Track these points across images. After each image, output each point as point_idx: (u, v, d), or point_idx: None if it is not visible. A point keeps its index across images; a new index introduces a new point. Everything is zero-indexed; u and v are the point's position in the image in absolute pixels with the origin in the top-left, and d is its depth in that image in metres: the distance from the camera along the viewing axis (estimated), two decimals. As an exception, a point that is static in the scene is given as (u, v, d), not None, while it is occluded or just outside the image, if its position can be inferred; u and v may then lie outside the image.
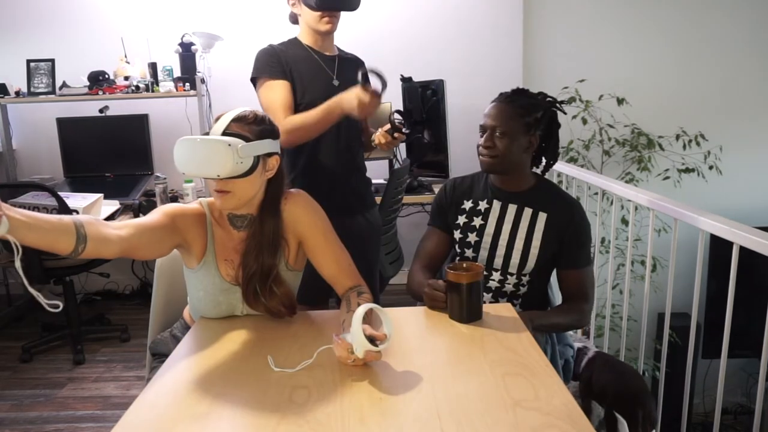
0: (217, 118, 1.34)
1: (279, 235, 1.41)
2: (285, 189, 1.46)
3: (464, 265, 1.45)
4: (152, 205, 3.05)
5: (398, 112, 1.90)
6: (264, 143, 1.33)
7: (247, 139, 1.30)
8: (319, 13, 1.87)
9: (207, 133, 1.33)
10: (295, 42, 1.97)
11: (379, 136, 1.86)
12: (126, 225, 1.24)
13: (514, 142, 1.60)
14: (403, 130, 1.81)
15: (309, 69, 1.93)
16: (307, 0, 1.87)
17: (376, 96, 1.70)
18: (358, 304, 1.23)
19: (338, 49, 2.05)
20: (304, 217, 1.45)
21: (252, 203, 1.39)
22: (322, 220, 1.47)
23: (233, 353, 1.26)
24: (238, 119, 1.32)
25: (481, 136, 1.64)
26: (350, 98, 1.72)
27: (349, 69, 1.98)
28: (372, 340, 1.15)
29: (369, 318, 1.26)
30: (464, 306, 1.40)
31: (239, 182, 1.32)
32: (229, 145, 1.26)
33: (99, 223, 1.16)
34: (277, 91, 1.88)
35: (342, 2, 1.88)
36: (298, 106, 1.91)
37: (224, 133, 1.30)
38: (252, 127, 1.33)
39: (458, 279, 1.39)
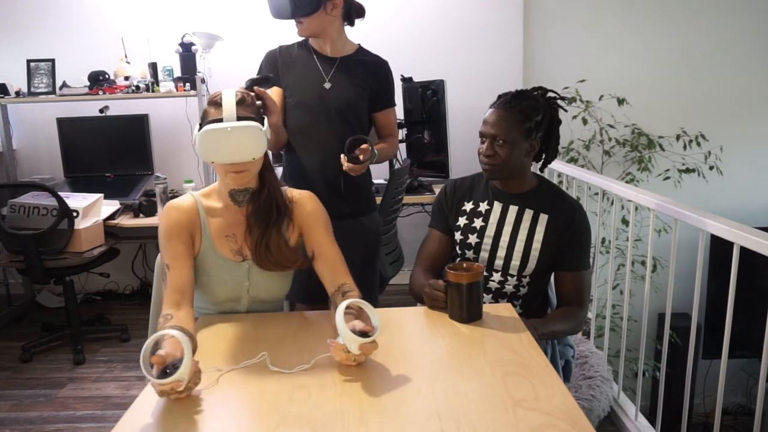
0: (216, 103, 1.36)
1: (282, 199, 1.49)
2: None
3: (464, 265, 1.45)
4: (152, 205, 3.05)
5: (354, 139, 1.79)
6: (264, 119, 1.42)
7: (254, 120, 1.37)
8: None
9: (220, 120, 1.35)
10: (303, 42, 1.98)
11: (344, 163, 1.81)
12: (184, 296, 1.35)
13: (514, 150, 1.58)
14: (361, 158, 1.77)
15: (304, 70, 1.93)
16: None
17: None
18: None
19: (361, 49, 2.01)
20: (311, 215, 1.52)
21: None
22: (325, 216, 1.54)
23: (233, 353, 1.26)
24: (240, 102, 1.37)
25: (482, 143, 1.63)
26: None
27: (352, 71, 1.95)
28: (363, 333, 1.15)
29: (361, 316, 1.26)
30: (464, 306, 1.40)
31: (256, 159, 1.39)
32: (261, 129, 1.35)
33: (188, 318, 1.30)
34: None
35: (275, 11, 1.90)
36: (288, 106, 1.93)
37: (238, 119, 1.34)
38: (253, 107, 1.41)
39: (458, 279, 1.39)
